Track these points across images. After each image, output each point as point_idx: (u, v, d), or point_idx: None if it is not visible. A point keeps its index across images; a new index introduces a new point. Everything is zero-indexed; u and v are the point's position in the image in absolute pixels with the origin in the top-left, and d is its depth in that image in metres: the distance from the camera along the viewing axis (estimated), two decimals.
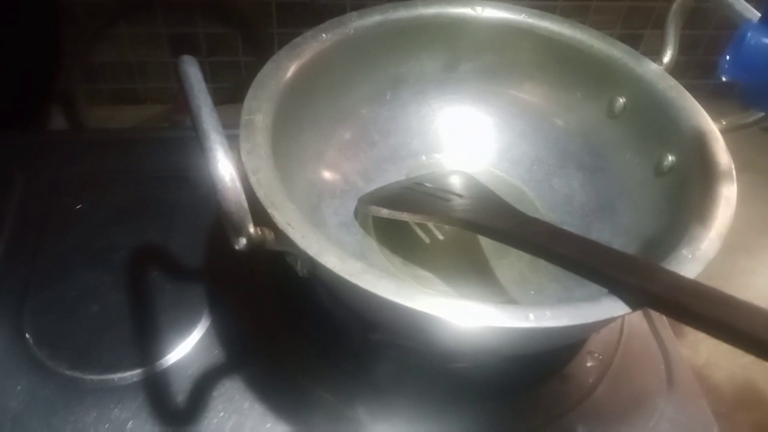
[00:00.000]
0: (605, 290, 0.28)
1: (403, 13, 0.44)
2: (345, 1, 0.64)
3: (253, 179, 0.31)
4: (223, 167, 0.26)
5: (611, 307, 0.27)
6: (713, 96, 0.74)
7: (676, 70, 0.42)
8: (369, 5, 0.44)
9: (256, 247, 0.28)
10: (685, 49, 0.62)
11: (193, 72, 0.30)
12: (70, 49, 0.64)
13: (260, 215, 0.30)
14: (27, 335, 0.38)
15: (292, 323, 0.41)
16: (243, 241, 0.27)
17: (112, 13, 0.64)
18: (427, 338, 0.31)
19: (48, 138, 0.56)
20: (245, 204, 0.26)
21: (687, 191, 0.36)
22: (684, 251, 0.30)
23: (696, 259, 0.29)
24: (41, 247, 0.43)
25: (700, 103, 0.39)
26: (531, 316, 0.27)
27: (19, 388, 0.36)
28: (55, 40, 0.63)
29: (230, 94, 0.68)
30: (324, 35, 0.41)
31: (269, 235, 0.29)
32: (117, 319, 0.39)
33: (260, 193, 0.31)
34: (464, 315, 0.26)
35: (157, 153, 0.51)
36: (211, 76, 0.70)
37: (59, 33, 0.63)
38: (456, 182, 0.41)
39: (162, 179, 0.49)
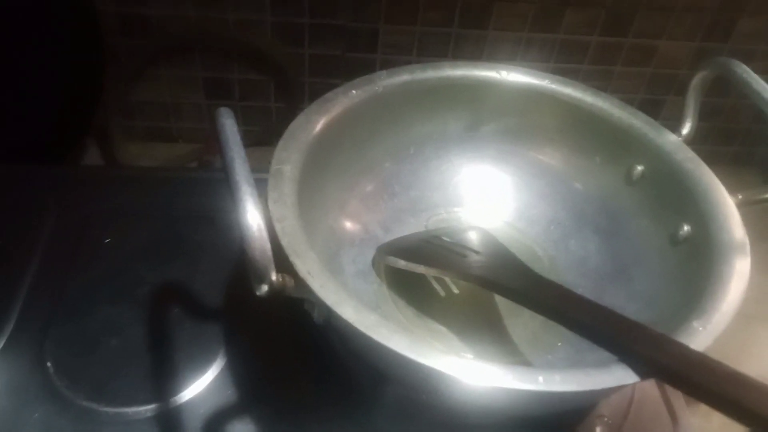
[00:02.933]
0: (615, 357, 0.29)
1: (430, 74, 0.45)
2: (375, 56, 0.67)
3: (278, 227, 0.32)
4: (252, 217, 0.27)
5: (620, 376, 0.28)
6: (734, 163, 0.75)
7: (698, 136, 0.43)
8: (397, 61, 0.46)
9: (276, 293, 0.29)
10: (707, 116, 0.63)
11: (229, 124, 0.32)
12: (109, 87, 0.67)
13: (281, 261, 0.31)
14: (48, 364, 0.39)
15: (306, 369, 0.41)
16: (265, 287, 0.28)
17: (152, 54, 0.67)
18: (437, 394, 0.31)
19: (82, 172, 0.59)
20: (270, 254, 0.27)
21: (701, 262, 0.36)
22: (695, 323, 0.30)
23: (706, 331, 0.30)
24: (68, 279, 0.45)
25: (720, 169, 0.40)
26: (540, 379, 0.27)
27: (36, 415, 0.37)
28: (96, 77, 0.66)
29: (259, 138, 0.70)
30: (354, 92, 0.43)
31: (290, 282, 0.30)
32: (136, 353, 0.40)
33: (284, 241, 0.32)
34: (475, 374, 0.27)
35: (186, 193, 0.53)
36: (242, 119, 0.73)
37: (100, 70, 0.66)
38: (473, 238, 0.42)
39: (189, 218, 0.51)
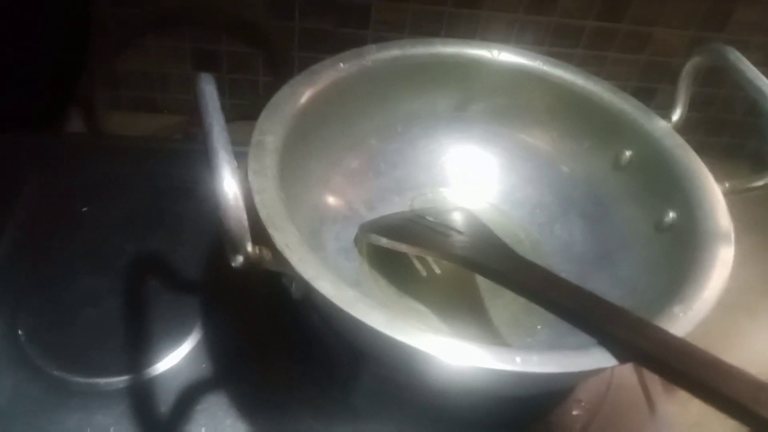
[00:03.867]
0: (594, 340, 0.29)
1: (420, 50, 0.45)
2: (367, 31, 0.66)
3: (257, 199, 0.32)
4: (228, 185, 0.27)
5: (598, 358, 0.28)
6: (724, 155, 0.75)
7: (689, 126, 0.42)
8: (389, 38, 0.45)
9: (253, 265, 0.29)
10: (699, 106, 0.63)
11: (209, 90, 0.31)
12: (95, 55, 0.65)
13: (261, 235, 0.30)
14: (20, 332, 0.39)
15: (284, 345, 0.41)
16: (240, 258, 0.28)
17: (140, 24, 0.65)
18: (414, 372, 0.31)
19: (64, 140, 0.58)
20: (246, 223, 0.27)
21: (685, 249, 0.36)
22: (676, 309, 0.30)
23: (687, 318, 0.30)
24: (45, 247, 0.44)
25: (710, 160, 0.40)
26: (518, 359, 0.27)
27: (6, 383, 0.36)
28: (82, 46, 0.64)
29: (247, 111, 0.69)
30: (342, 65, 0.42)
31: (267, 255, 0.30)
32: (110, 324, 0.40)
33: (263, 213, 0.31)
34: (452, 353, 0.27)
35: (169, 163, 0.52)
36: (229, 92, 0.71)
37: (86, 39, 0.64)
38: (458, 219, 0.42)
39: (171, 190, 0.50)
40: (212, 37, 0.67)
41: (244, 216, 0.27)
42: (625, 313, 0.29)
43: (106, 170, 0.51)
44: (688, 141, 0.41)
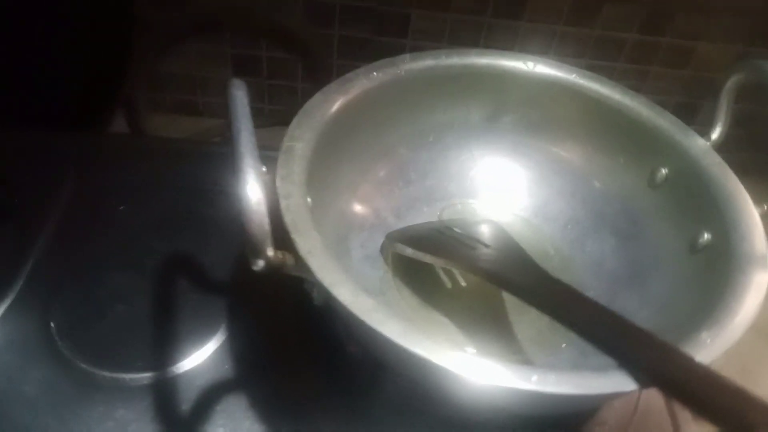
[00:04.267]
0: (615, 363, 0.28)
1: (455, 60, 0.44)
2: (405, 40, 0.66)
3: (283, 204, 0.32)
4: (252, 190, 0.27)
5: (618, 382, 0.27)
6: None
7: (731, 143, 0.41)
8: (427, 48, 0.45)
9: (274, 270, 0.29)
10: (741, 122, 0.61)
11: (239, 95, 0.31)
12: (138, 57, 0.67)
13: (286, 240, 0.30)
14: (52, 324, 0.40)
15: (307, 351, 0.41)
16: (261, 263, 0.28)
17: (183, 28, 0.67)
18: (428, 385, 0.31)
19: (104, 140, 0.59)
20: (267, 227, 0.27)
21: (718, 273, 0.35)
22: (704, 335, 0.29)
23: (714, 344, 0.28)
24: (81, 244, 0.45)
25: (754, 179, 0.38)
26: (534, 378, 0.26)
27: (36, 374, 0.37)
28: (126, 47, 0.66)
29: (285, 117, 0.70)
30: (375, 73, 0.42)
31: (290, 260, 0.30)
32: (138, 321, 0.41)
33: (287, 218, 0.31)
34: (466, 367, 0.26)
35: (206, 166, 0.53)
36: (269, 97, 0.72)
37: (131, 41, 0.66)
38: (485, 231, 0.41)
39: (205, 192, 0.51)
40: (253, 42, 0.68)
41: (266, 220, 0.27)
42: (648, 337, 0.29)
43: (144, 170, 0.52)
44: (728, 159, 0.40)
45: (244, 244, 0.27)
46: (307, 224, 0.32)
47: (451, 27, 0.65)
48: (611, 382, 0.27)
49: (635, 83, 0.68)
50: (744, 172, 0.39)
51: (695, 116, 0.71)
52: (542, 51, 0.66)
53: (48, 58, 0.57)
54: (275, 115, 0.71)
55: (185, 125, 0.73)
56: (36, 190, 0.49)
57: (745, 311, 0.30)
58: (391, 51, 0.44)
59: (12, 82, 0.54)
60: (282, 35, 0.67)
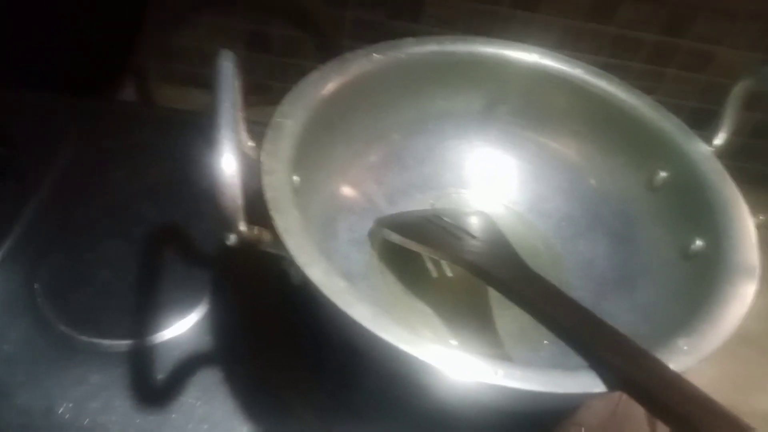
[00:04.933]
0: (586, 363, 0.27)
1: (459, 47, 0.44)
2: (418, 25, 0.65)
3: (265, 180, 0.32)
4: (226, 162, 0.27)
5: (585, 383, 0.26)
6: None
7: (738, 151, 0.40)
8: (441, 33, 0.44)
9: (248, 245, 0.29)
10: (752, 131, 0.60)
11: (226, 66, 0.31)
12: (150, 27, 0.67)
13: (267, 216, 0.30)
14: (36, 285, 0.40)
15: (285, 330, 0.41)
16: (233, 237, 0.28)
17: (196, 1, 0.67)
18: (395, 371, 0.30)
19: (110, 107, 0.59)
20: (239, 201, 0.27)
21: (707, 281, 0.34)
22: (680, 342, 0.28)
23: (690, 353, 0.28)
24: (74, 207, 0.45)
25: (755, 190, 0.37)
26: (500, 372, 0.26)
27: (16, 333, 0.38)
28: (139, 17, 0.66)
29: None
30: (375, 55, 0.41)
31: (266, 237, 0.30)
32: (122, 288, 0.41)
33: (268, 195, 0.31)
34: (433, 357, 0.26)
35: (205, 138, 0.52)
36: (280, 75, 0.72)
37: (143, 10, 0.66)
38: (475, 223, 0.41)
39: (201, 164, 0.50)
40: (265, 18, 0.67)
41: (238, 194, 0.27)
42: (623, 340, 0.28)
43: (144, 139, 0.52)
44: (732, 167, 0.39)
45: (215, 218, 0.27)
46: (288, 202, 0.31)
47: (466, 15, 0.63)
48: (578, 382, 0.26)
49: (651, 84, 0.66)
50: (744, 181, 0.38)
51: (710, 122, 0.69)
52: (557, 46, 0.64)
53: (60, 21, 0.57)
54: (285, 93, 0.71)
55: (194, 97, 0.73)
56: (38, 151, 0.49)
57: (726, 321, 0.29)
58: (403, 35, 0.43)
59: (24, 43, 0.54)
60: (295, 13, 0.66)
